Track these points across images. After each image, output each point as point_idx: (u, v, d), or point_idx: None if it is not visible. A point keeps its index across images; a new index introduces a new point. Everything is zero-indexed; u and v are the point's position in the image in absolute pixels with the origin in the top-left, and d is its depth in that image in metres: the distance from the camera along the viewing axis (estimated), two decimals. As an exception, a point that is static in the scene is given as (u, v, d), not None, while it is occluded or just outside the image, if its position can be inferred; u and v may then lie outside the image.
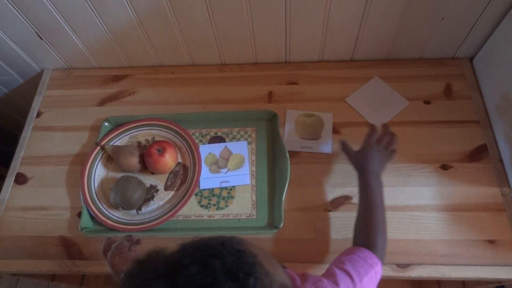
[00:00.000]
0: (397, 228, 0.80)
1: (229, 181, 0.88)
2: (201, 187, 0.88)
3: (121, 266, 0.67)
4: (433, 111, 0.94)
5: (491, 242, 0.77)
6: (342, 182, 0.86)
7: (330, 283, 0.58)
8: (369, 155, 0.75)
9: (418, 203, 0.82)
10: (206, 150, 0.92)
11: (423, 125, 0.92)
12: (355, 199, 0.84)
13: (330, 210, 0.83)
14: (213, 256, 0.38)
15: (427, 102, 0.95)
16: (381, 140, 0.79)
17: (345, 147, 0.81)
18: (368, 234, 0.68)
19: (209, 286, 0.36)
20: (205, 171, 0.89)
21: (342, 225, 0.81)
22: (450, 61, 1.01)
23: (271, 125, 0.94)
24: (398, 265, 0.76)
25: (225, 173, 0.89)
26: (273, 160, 0.89)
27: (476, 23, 0.89)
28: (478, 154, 0.87)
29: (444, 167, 0.86)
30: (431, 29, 0.92)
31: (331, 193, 0.85)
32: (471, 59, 1.01)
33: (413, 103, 0.95)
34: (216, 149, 0.92)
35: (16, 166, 0.95)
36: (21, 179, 0.93)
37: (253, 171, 0.89)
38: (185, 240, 0.42)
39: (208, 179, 0.89)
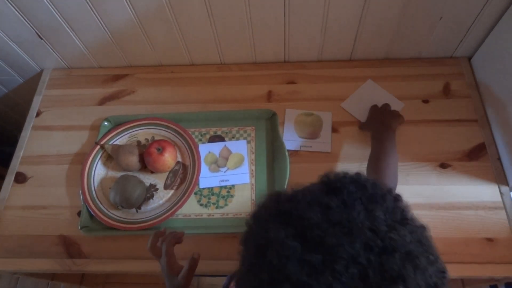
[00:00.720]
0: (396, 226, 0.80)
1: (228, 180, 0.88)
2: (201, 186, 0.88)
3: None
4: (432, 110, 0.94)
5: (489, 240, 0.78)
6: (341, 180, 0.86)
7: None
8: (381, 114, 0.88)
9: (416, 202, 0.83)
10: (206, 149, 0.92)
11: (422, 124, 0.92)
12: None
13: (329, 209, 0.83)
14: (362, 180, 0.42)
15: (425, 101, 0.95)
16: (386, 105, 0.91)
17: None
18: (382, 176, 0.70)
19: (370, 199, 0.40)
20: (204, 170, 0.90)
21: (341, 223, 0.82)
22: (449, 60, 1.02)
23: (270, 124, 0.94)
24: (397, 263, 0.77)
25: (225, 172, 0.89)
26: (273, 159, 0.90)
27: (474, 22, 0.90)
28: (476, 152, 0.88)
29: (443, 165, 0.87)
30: (430, 29, 0.92)
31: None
32: (469, 58, 1.01)
33: (412, 102, 0.96)
34: (216, 148, 0.93)
35: (16, 165, 0.95)
36: (20, 178, 0.93)
37: (252, 170, 0.89)
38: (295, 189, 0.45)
39: (207, 178, 0.89)
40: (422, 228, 0.41)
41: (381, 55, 1.03)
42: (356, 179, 0.42)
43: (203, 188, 0.88)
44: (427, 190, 0.84)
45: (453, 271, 0.75)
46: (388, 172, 0.71)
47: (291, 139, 0.93)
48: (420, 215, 0.81)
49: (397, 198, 0.42)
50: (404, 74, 1.00)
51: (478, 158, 0.87)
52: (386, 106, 0.92)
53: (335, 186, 0.41)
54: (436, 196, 0.83)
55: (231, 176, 0.89)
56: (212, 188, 0.88)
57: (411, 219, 0.40)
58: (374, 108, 0.93)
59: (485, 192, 0.83)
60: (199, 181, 0.88)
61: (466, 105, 0.94)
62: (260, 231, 0.41)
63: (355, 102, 0.97)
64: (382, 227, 0.37)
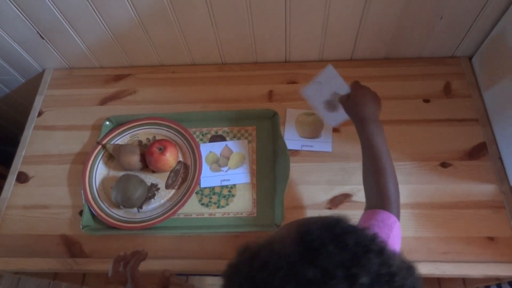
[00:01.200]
0: (397, 225, 0.80)
1: (229, 179, 0.89)
2: (202, 185, 0.88)
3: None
4: (433, 110, 0.94)
5: (491, 239, 0.78)
6: (342, 180, 0.86)
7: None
8: (362, 99, 0.74)
9: (418, 201, 0.83)
10: (207, 149, 0.93)
11: (422, 124, 0.92)
12: (355, 197, 0.84)
13: (330, 208, 0.84)
14: (343, 234, 0.38)
15: (426, 101, 0.96)
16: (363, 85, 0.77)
17: (341, 97, 0.80)
18: (378, 181, 0.65)
19: (352, 261, 0.36)
20: (206, 169, 0.90)
21: (342, 222, 0.82)
22: (449, 60, 1.02)
23: (271, 124, 0.94)
24: (398, 262, 0.77)
25: (226, 171, 0.89)
26: (274, 158, 0.90)
27: (474, 21, 0.90)
28: (477, 152, 0.88)
29: (444, 165, 0.87)
30: (430, 28, 0.93)
31: (331, 191, 0.85)
32: (470, 57, 1.01)
33: (413, 101, 0.96)
34: (217, 148, 0.93)
35: (17, 165, 0.95)
36: (22, 178, 0.94)
37: (253, 170, 0.89)
38: (287, 225, 0.43)
39: (209, 178, 0.89)
40: (410, 274, 0.39)
41: (381, 55, 1.03)
42: (335, 234, 0.38)
43: (204, 188, 0.88)
44: (428, 189, 0.84)
45: (454, 270, 0.76)
46: (390, 172, 0.67)
47: (292, 139, 0.93)
48: (421, 215, 0.82)
49: (381, 250, 0.38)
50: (405, 74, 1.00)
51: (479, 157, 0.87)
52: (370, 90, 0.77)
53: (312, 247, 0.37)
54: (437, 195, 0.83)
55: (232, 176, 0.89)
56: (213, 188, 0.88)
57: (399, 271, 0.37)
58: (363, 90, 0.76)
59: (486, 191, 0.83)
60: (200, 181, 0.88)
61: (466, 105, 0.94)
62: None
63: (315, 89, 0.83)
64: None
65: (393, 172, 0.67)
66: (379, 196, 0.64)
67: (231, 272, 0.41)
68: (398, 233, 0.61)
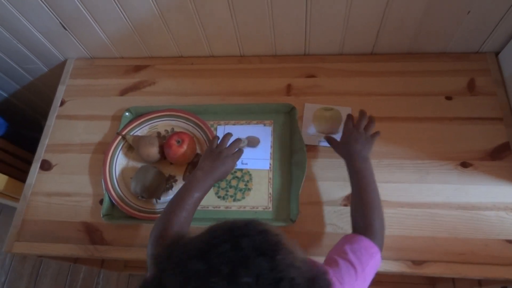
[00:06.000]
0: (413, 225, 0.80)
1: (247, 163, 0.89)
2: None
3: None
4: (455, 107, 0.92)
5: (510, 242, 0.77)
6: (359, 177, 0.86)
7: (335, 276, 0.59)
8: (350, 140, 0.78)
9: (435, 201, 0.82)
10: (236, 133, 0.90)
11: (444, 121, 0.91)
12: (372, 195, 0.84)
13: (346, 205, 0.83)
14: (241, 236, 0.42)
15: (449, 98, 0.93)
16: (359, 124, 0.81)
17: (330, 140, 0.85)
18: (365, 215, 0.69)
19: (241, 261, 0.39)
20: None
21: (358, 220, 0.82)
22: (475, 55, 0.99)
23: (289, 118, 0.94)
24: (413, 262, 0.77)
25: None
26: (290, 153, 0.90)
27: (503, 16, 0.86)
28: (500, 152, 0.86)
29: (464, 164, 0.85)
30: (456, 22, 0.90)
31: (347, 188, 0.84)
32: (496, 53, 0.98)
33: (435, 98, 0.94)
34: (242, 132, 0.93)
35: (41, 153, 0.98)
36: (46, 166, 0.97)
37: (270, 164, 0.89)
38: (211, 224, 0.46)
39: None
40: (309, 285, 0.41)
41: (404, 49, 1.00)
42: (234, 235, 0.42)
43: (221, 180, 0.89)
44: (447, 189, 0.83)
45: (472, 272, 0.75)
46: (378, 207, 0.70)
47: (309, 134, 0.92)
48: (438, 215, 0.81)
49: (274, 256, 0.40)
50: (427, 70, 0.98)
51: (501, 158, 0.85)
52: (373, 136, 0.80)
53: (210, 243, 0.41)
54: (456, 196, 0.82)
55: (250, 160, 0.89)
56: (229, 181, 0.89)
57: (288, 278, 0.39)
58: (349, 130, 0.81)
59: (507, 193, 0.81)
60: None
61: (491, 103, 0.92)
62: None
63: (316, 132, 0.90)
64: None
65: (381, 208, 0.70)
66: (366, 228, 0.67)
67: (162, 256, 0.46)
68: (377, 263, 0.65)
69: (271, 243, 0.42)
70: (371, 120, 0.82)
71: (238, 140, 0.83)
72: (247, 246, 0.40)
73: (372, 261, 0.63)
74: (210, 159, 0.77)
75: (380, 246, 0.66)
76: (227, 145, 0.81)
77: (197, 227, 0.84)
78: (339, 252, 0.64)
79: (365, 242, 0.64)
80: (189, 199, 0.71)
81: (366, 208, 0.69)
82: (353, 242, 0.65)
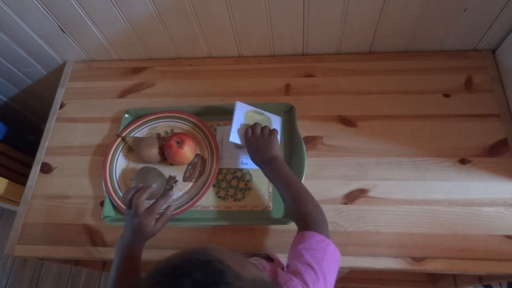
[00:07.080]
0: (413, 222, 0.80)
1: (247, 163, 0.89)
2: (221, 166, 0.90)
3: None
4: (453, 105, 0.93)
5: (509, 237, 0.77)
6: (358, 175, 0.86)
7: (300, 284, 0.58)
8: (254, 149, 0.81)
9: (435, 198, 0.82)
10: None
11: (442, 119, 0.91)
12: (371, 193, 0.84)
13: (346, 203, 0.84)
14: (181, 276, 0.41)
15: (446, 95, 0.94)
16: (255, 130, 0.84)
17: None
18: (300, 210, 0.69)
19: None
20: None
21: (358, 218, 0.82)
22: (472, 53, 0.99)
23: (288, 117, 0.95)
24: (413, 259, 0.77)
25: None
26: (290, 152, 0.90)
27: (500, 14, 0.87)
28: (498, 148, 0.86)
29: (463, 161, 0.86)
30: (453, 20, 0.90)
31: (347, 186, 0.86)
32: (493, 51, 0.98)
33: (432, 96, 0.94)
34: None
35: (41, 156, 0.99)
36: (46, 169, 0.97)
37: (269, 164, 0.89)
38: (155, 263, 0.45)
39: (230, 160, 0.90)
40: None
41: (401, 48, 1.01)
42: (177, 275, 0.41)
43: (221, 180, 0.89)
44: (445, 186, 0.83)
45: (472, 268, 0.75)
46: (307, 195, 0.71)
47: (233, 141, 0.88)
48: (438, 211, 0.81)
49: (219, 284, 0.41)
50: (425, 67, 0.98)
51: (499, 154, 0.85)
52: (271, 133, 0.83)
53: (156, 279, 0.42)
54: (455, 192, 0.82)
55: (250, 160, 0.89)
56: (230, 181, 0.89)
57: None
58: (250, 140, 0.83)
59: (506, 189, 0.82)
60: (220, 161, 0.90)
61: (488, 100, 0.92)
62: None
63: (240, 131, 0.87)
64: None
65: (312, 197, 0.71)
66: (307, 222, 0.67)
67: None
68: (333, 256, 0.63)
69: (215, 275, 0.41)
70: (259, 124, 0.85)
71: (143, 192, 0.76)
72: (188, 286, 0.40)
73: (326, 255, 0.62)
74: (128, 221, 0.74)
75: (327, 233, 0.66)
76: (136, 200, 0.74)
77: (198, 227, 0.85)
78: (295, 256, 0.63)
79: (315, 237, 0.64)
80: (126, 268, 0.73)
81: (298, 203, 0.70)
82: (304, 240, 0.64)
